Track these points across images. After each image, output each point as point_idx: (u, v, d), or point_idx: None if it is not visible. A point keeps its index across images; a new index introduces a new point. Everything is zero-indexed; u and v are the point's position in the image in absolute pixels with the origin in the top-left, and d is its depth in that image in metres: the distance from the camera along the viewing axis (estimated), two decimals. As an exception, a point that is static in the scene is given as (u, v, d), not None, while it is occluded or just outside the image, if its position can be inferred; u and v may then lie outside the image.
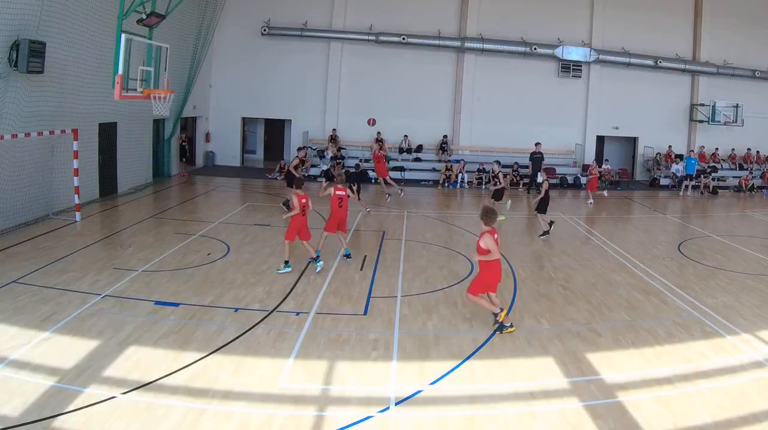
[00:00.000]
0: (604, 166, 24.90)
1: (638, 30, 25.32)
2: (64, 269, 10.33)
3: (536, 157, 22.52)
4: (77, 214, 14.08)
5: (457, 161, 23.60)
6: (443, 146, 24.86)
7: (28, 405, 5.88)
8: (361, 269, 11.20)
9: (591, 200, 20.52)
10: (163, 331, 7.90)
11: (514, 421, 6.08)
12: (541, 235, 14.51)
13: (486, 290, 8.38)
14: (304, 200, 10.74)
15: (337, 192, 11.69)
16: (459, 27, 25.11)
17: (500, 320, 8.23)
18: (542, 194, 14.62)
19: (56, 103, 14.07)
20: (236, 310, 8.81)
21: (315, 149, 24.61)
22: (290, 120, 26.05)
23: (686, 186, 23.50)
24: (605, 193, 21.42)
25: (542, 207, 14.73)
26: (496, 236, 8.21)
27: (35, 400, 5.98)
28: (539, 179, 22.48)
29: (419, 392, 6.61)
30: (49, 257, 10.96)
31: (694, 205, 21.34)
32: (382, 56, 24.96)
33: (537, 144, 22.73)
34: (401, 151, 24.82)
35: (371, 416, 6.07)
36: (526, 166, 23.98)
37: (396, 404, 6.32)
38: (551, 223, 14.69)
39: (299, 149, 17.26)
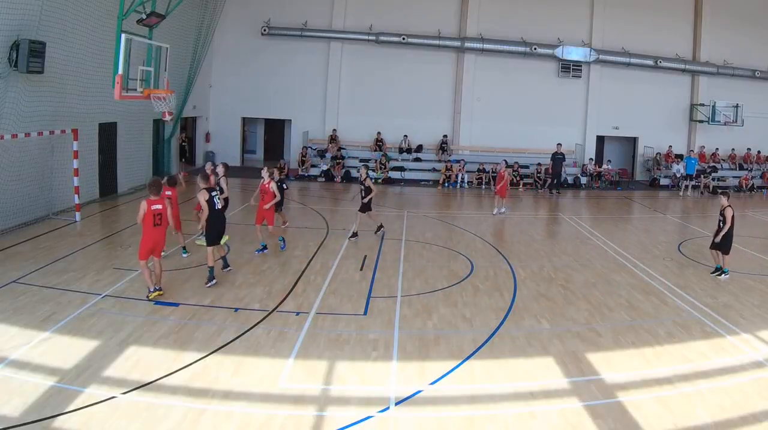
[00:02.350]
0: (605, 166, 24.95)
1: (638, 30, 25.33)
2: (64, 269, 10.33)
3: (558, 158, 22.68)
4: (77, 214, 14.09)
5: (457, 161, 23.61)
6: (443, 146, 24.85)
7: (28, 405, 5.88)
8: (361, 269, 11.21)
9: (502, 209, 17.58)
10: (163, 331, 7.90)
11: (514, 421, 6.08)
12: (350, 236, 13.46)
13: (150, 254, 9.06)
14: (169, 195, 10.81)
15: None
16: (459, 27, 25.11)
17: (150, 298, 8.96)
18: (364, 194, 13.35)
19: (56, 103, 14.07)
20: (236, 310, 8.81)
21: (315, 149, 24.62)
22: (290, 120, 26.06)
23: (686, 186, 23.50)
24: (501, 211, 17.57)
25: (366, 206, 13.45)
26: (154, 207, 8.97)
27: (35, 400, 5.99)
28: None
29: (419, 392, 6.61)
30: (49, 257, 10.97)
31: (694, 205, 21.34)
32: (382, 56, 24.96)
33: (558, 145, 22.94)
34: (401, 151, 24.82)
35: (371, 416, 6.07)
36: (527, 167, 24.03)
37: (396, 404, 6.32)
38: (380, 226, 13.76)
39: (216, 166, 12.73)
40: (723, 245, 11.43)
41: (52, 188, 14.15)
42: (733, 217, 11.31)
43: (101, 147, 16.68)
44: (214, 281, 9.74)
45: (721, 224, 11.38)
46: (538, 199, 21.52)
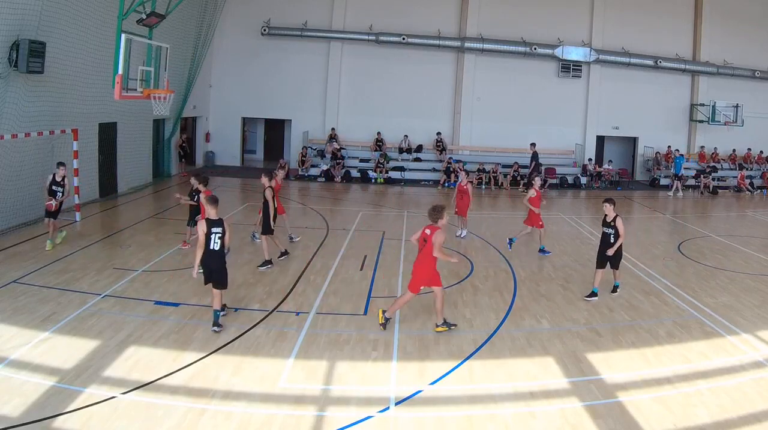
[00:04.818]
0: (605, 166, 24.92)
1: (638, 30, 25.35)
2: (64, 269, 10.33)
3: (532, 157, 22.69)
4: (77, 214, 14.08)
5: (457, 162, 23.61)
6: (438, 144, 24.79)
7: (28, 405, 5.88)
8: (361, 269, 11.21)
9: (464, 231, 14.28)
10: (163, 331, 7.90)
11: (514, 421, 6.08)
12: (260, 265, 10.95)
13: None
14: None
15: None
16: (459, 27, 25.11)
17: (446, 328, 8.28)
18: (270, 212, 10.90)
19: (56, 103, 14.07)
20: (236, 310, 8.81)
21: (315, 149, 24.61)
22: (290, 120, 26.07)
23: (677, 187, 23.28)
24: (462, 233, 14.19)
25: (267, 227, 10.98)
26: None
27: (35, 400, 5.99)
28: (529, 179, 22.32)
29: (419, 392, 6.61)
30: (49, 257, 10.96)
31: (694, 205, 21.33)
32: (382, 56, 24.97)
33: (532, 144, 22.94)
34: (401, 151, 24.82)
35: (371, 416, 6.07)
36: (527, 167, 24.02)
37: (396, 404, 6.32)
38: (285, 253, 11.54)
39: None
40: (614, 259, 9.86)
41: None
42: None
43: (101, 147, 16.69)
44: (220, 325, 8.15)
45: (612, 239, 9.70)
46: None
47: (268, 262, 10.96)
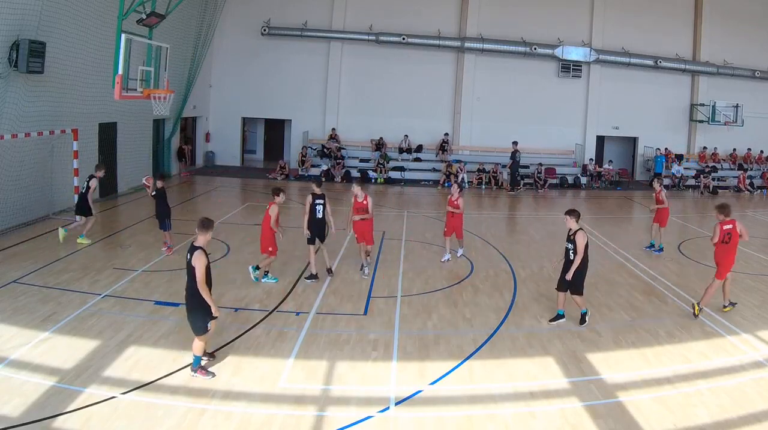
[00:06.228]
0: (605, 166, 24.90)
1: (638, 30, 25.34)
2: (64, 269, 10.34)
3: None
4: (77, 214, 14.07)
5: (457, 161, 23.60)
6: (443, 145, 24.80)
7: (28, 405, 5.89)
8: (361, 269, 11.19)
9: (459, 252, 12.40)
10: (163, 331, 7.90)
11: (514, 421, 6.08)
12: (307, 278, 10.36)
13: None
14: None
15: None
16: (459, 27, 25.11)
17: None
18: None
19: (56, 103, 14.08)
20: (236, 310, 8.81)
21: (315, 149, 24.60)
22: (290, 120, 26.06)
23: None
24: (456, 253, 12.33)
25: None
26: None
27: (35, 400, 5.99)
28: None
29: (419, 392, 6.61)
30: (49, 257, 10.96)
31: (694, 205, 21.33)
32: (382, 56, 24.96)
33: (514, 143, 23.00)
34: (401, 151, 24.80)
35: (371, 416, 6.07)
36: (527, 167, 24.00)
37: (396, 404, 6.33)
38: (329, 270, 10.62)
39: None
40: (574, 284, 8.48)
41: (52, 188, 14.15)
42: (586, 245, 8.37)
43: (101, 147, 16.68)
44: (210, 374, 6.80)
45: (572, 255, 8.42)
46: (538, 199, 21.52)
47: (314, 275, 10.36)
